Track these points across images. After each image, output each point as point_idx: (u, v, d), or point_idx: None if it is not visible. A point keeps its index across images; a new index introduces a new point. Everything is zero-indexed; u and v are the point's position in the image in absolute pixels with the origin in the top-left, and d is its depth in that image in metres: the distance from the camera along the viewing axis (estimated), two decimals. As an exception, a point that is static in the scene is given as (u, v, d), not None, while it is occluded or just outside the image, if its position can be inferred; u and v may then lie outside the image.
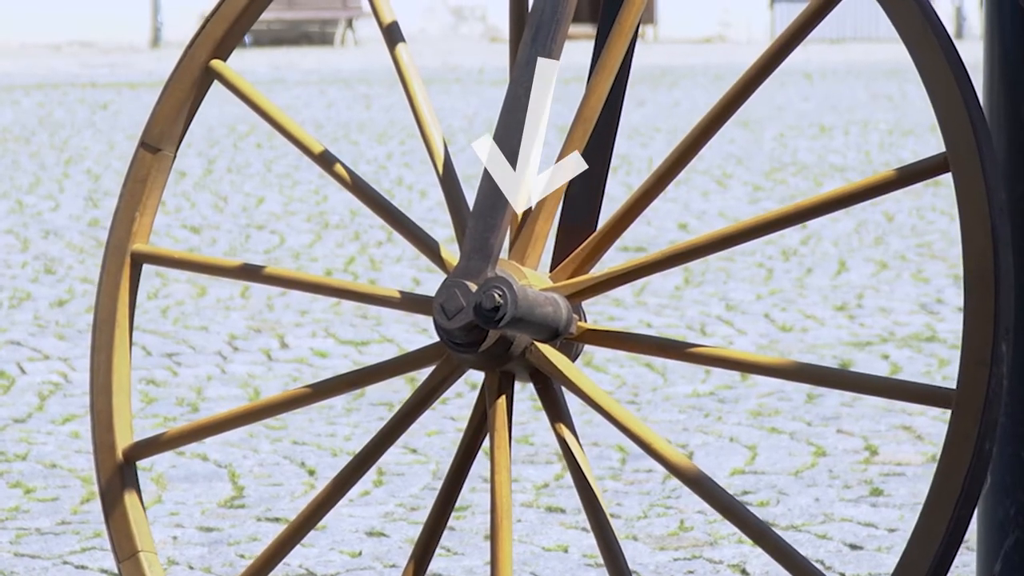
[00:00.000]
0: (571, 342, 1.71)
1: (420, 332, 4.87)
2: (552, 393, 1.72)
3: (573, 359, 1.75)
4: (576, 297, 1.69)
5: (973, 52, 21.95)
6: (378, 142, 11.11)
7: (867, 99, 14.64)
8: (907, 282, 5.72)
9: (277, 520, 3.00)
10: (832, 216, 7.51)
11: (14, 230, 7.09)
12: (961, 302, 5.48)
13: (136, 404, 4.01)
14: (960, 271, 5.85)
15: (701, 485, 1.63)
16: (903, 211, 7.44)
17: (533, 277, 1.70)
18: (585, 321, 1.73)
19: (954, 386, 1.59)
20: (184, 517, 3.02)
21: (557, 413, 1.71)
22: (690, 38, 27.18)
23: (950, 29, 28.92)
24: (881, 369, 4.37)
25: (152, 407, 3.98)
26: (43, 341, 4.78)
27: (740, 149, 10.33)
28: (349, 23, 25.63)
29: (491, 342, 1.65)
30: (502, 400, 1.70)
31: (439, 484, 3.28)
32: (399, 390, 4.14)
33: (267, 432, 3.65)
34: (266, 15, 23.78)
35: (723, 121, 1.68)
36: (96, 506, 3.05)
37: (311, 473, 3.32)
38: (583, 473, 1.69)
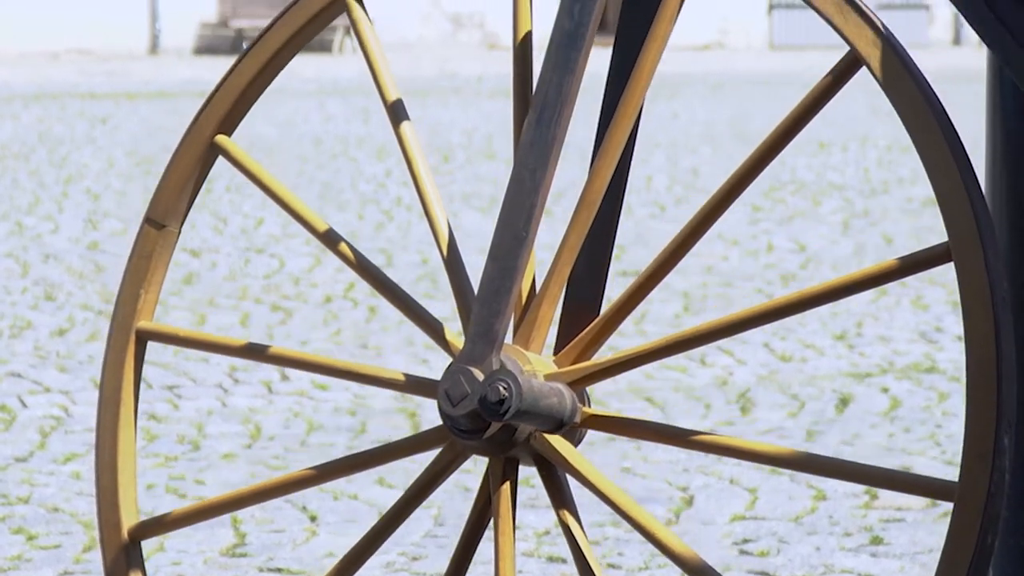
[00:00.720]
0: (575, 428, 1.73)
1: (420, 363, 4.88)
2: (556, 479, 1.73)
3: (576, 443, 1.77)
4: (579, 383, 1.70)
5: (971, 58, 21.97)
6: (377, 158, 11.14)
7: (866, 113, 14.69)
8: (906, 309, 5.74)
9: (279, 571, 3.01)
10: (832, 239, 7.54)
11: (13, 253, 7.10)
12: (960, 330, 5.49)
13: (138, 442, 4.00)
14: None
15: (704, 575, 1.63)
16: (902, 234, 7.47)
17: (537, 362, 1.71)
18: (589, 406, 1.74)
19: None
20: (187, 567, 3.03)
21: (561, 500, 1.72)
22: (689, 45, 27.28)
23: (948, 36, 28.98)
24: (881, 403, 4.38)
25: (153, 445, 4.00)
26: (44, 373, 4.80)
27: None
28: (347, 31, 25.85)
29: (495, 430, 1.66)
30: (506, 487, 1.71)
31: (440, 531, 3.30)
32: (399, 427, 4.15)
33: (268, 476, 3.66)
34: (262, 23, 23.90)
35: (730, 201, 1.68)
36: (98, 555, 3.05)
37: (313, 519, 3.33)
38: (586, 560, 1.69)
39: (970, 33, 28.56)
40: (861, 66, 1.67)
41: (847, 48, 1.67)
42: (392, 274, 6.44)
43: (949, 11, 28.65)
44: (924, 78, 1.64)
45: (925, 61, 24.33)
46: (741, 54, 27.04)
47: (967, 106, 13.19)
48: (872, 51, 1.65)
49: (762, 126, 13.27)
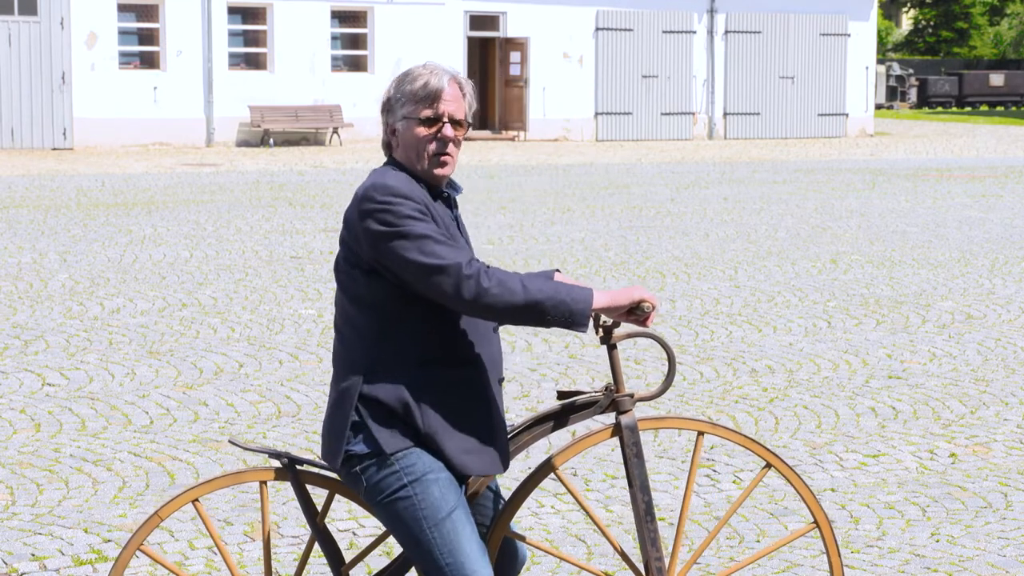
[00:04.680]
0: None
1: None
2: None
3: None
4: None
5: (722, 148, 32.50)
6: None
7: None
8: None
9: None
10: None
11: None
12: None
13: None
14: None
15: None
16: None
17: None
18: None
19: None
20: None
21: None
22: (545, 139, 38.50)
23: (704, 133, 40.23)
24: None
25: None
26: None
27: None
28: (335, 130, 35.20)
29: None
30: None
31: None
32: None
33: None
34: (281, 126, 34.93)
35: None
36: None
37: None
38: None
39: (720, 130, 40.70)
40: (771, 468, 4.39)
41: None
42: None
43: (705, 115, 40.40)
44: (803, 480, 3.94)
45: (689, 152, 36.93)
46: (578, 144, 37.49)
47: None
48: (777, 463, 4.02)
49: (589, 190, 25.38)
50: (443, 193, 4.26)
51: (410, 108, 4.23)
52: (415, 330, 4.15)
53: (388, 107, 4.28)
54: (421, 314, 4.15)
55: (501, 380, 4.32)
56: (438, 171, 4.24)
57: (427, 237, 4.03)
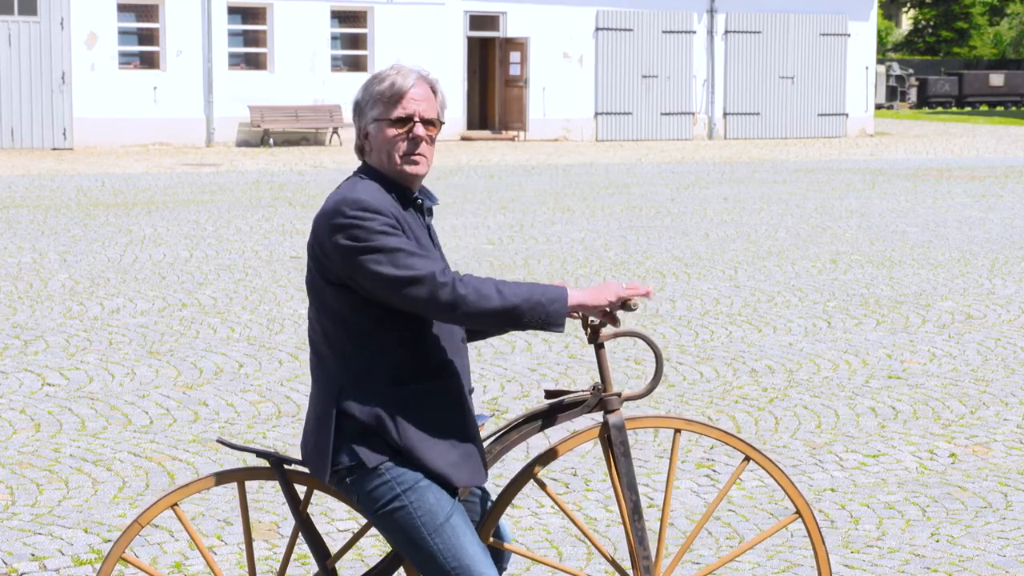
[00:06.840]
0: None
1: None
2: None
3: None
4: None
5: (721, 148, 32.79)
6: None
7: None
8: None
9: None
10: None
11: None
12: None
13: None
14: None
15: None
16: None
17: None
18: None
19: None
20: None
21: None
22: (545, 139, 38.88)
23: (704, 133, 40.41)
24: None
25: None
26: None
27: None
28: (335, 130, 35.63)
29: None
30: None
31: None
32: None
33: None
34: (281, 126, 35.47)
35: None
36: None
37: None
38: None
39: (720, 130, 40.98)
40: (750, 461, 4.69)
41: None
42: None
43: (705, 115, 40.63)
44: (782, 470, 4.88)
45: (689, 152, 37.06)
46: (578, 144, 38.10)
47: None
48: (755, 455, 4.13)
49: (589, 190, 25.63)
50: (416, 200, 4.23)
51: (380, 109, 4.21)
52: (388, 344, 4.15)
53: (359, 110, 4.26)
54: (394, 328, 4.15)
55: (471, 391, 4.33)
56: (410, 169, 4.21)
57: (400, 250, 4.03)
